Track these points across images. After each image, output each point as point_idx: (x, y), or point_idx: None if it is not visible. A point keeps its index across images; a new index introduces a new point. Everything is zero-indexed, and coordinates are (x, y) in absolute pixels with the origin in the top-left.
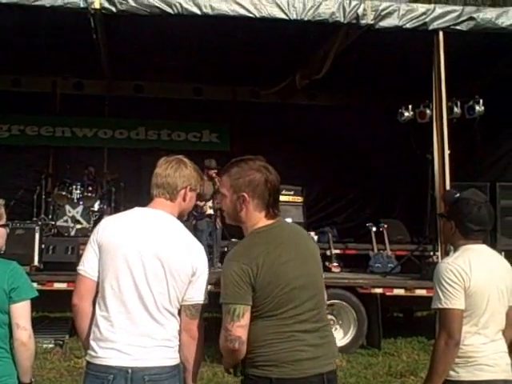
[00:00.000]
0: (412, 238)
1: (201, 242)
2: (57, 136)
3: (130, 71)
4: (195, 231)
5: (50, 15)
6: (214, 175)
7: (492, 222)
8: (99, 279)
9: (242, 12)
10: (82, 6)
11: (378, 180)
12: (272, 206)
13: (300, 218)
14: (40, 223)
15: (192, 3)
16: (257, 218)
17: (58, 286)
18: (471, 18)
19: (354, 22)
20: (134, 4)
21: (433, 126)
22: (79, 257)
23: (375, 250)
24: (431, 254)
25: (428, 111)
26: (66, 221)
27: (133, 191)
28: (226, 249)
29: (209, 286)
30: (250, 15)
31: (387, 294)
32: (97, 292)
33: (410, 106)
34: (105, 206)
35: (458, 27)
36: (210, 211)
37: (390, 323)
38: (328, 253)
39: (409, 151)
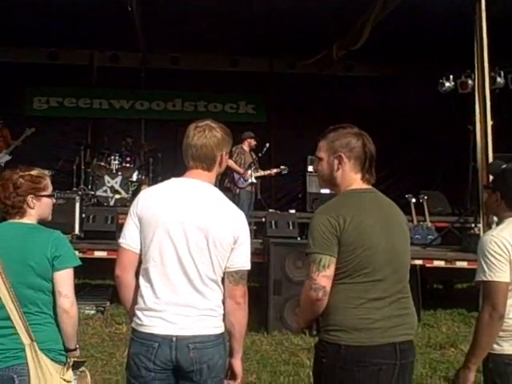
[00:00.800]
0: (453, 210)
1: (243, 210)
2: (94, 108)
3: (166, 43)
4: (238, 200)
5: None
6: (253, 144)
7: None
8: (141, 251)
9: None
10: None
11: (418, 151)
12: (368, 171)
13: None
14: (80, 193)
15: None
16: (351, 180)
17: (98, 254)
18: None
19: None
20: None
21: (475, 97)
22: (118, 226)
23: (415, 222)
24: (472, 225)
25: (470, 81)
26: (105, 191)
27: (170, 162)
28: (263, 219)
29: None
30: None
31: (427, 265)
32: (139, 262)
33: (452, 77)
34: (143, 177)
35: None
36: (252, 179)
37: (429, 295)
38: None
39: (450, 122)
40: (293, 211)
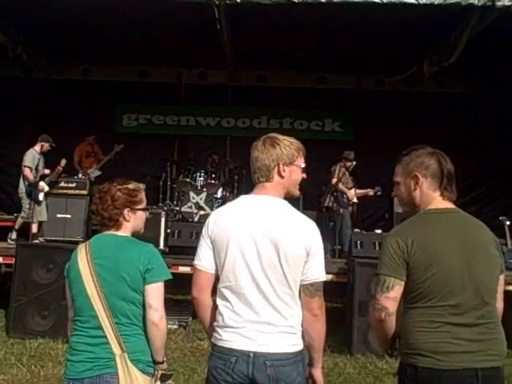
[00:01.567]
0: None
1: (344, 228)
2: (181, 125)
3: (253, 61)
4: (342, 220)
5: (175, 8)
6: (350, 166)
7: None
8: (216, 271)
9: None
10: None
11: None
12: (446, 188)
13: None
14: (166, 209)
15: None
16: (430, 199)
17: (182, 269)
18: None
19: (490, 4)
20: None
21: None
22: None
23: (509, 245)
24: None
25: None
26: (190, 207)
27: None
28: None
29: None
30: (378, 1)
31: None
32: (216, 281)
33: None
34: (227, 193)
35: None
36: (355, 199)
37: None
38: None
39: None
40: (379, 231)
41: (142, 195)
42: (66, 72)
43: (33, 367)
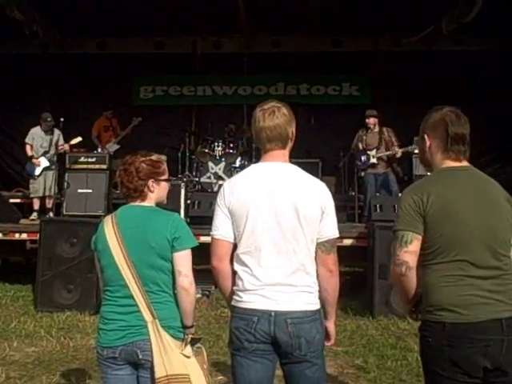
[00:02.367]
0: None
1: (367, 193)
2: (198, 95)
3: (268, 26)
4: (363, 183)
5: None
6: (369, 124)
7: None
8: (234, 239)
9: None
10: None
11: None
12: (453, 150)
13: None
14: (185, 180)
15: None
16: (440, 160)
17: (203, 239)
18: None
19: None
20: None
21: None
22: None
23: None
24: None
25: None
26: (209, 177)
27: None
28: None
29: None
30: None
31: None
32: (234, 249)
33: None
34: (246, 162)
35: None
36: (374, 160)
37: None
38: None
39: None
40: (398, 194)
41: (165, 166)
42: (81, 46)
43: (62, 339)
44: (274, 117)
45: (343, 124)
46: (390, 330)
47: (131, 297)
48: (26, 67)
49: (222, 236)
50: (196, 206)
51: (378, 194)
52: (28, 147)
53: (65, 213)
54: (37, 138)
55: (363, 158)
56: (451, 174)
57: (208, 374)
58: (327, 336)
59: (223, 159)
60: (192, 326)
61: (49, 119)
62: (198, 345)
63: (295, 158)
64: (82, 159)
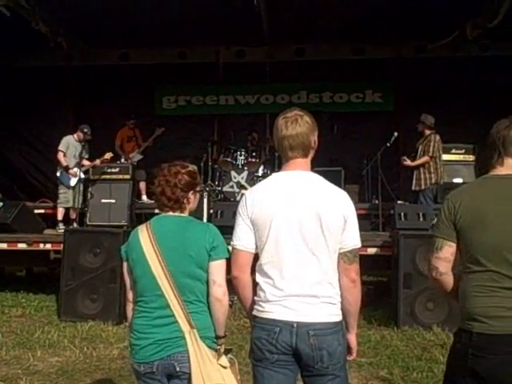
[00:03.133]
0: None
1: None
2: (221, 104)
3: (290, 35)
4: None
5: None
6: (427, 132)
7: None
8: (256, 250)
9: None
10: None
11: None
12: (504, 155)
13: (471, 178)
14: (208, 189)
15: None
16: (490, 166)
17: None
18: None
19: None
20: None
21: None
22: None
23: None
24: None
25: None
26: (232, 186)
27: None
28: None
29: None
30: None
31: None
32: (255, 259)
33: None
34: (268, 171)
35: None
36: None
37: None
38: None
39: None
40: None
41: (199, 177)
42: (104, 58)
43: (85, 349)
44: (297, 125)
45: (366, 131)
46: (415, 341)
47: (167, 306)
48: (51, 79)
49: (244, 246)
50: (219, 216)
51: (399, 202)
52: (62, 155)
53: (88, 223)
54: (71, 148)
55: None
56: (493, 182)
57: None
58: (349, 349)
59: (246, 168)
60: (224, 336)
61: (88, 132)
62: (230, 356)
63: (318, 166)
64: (106, 169)
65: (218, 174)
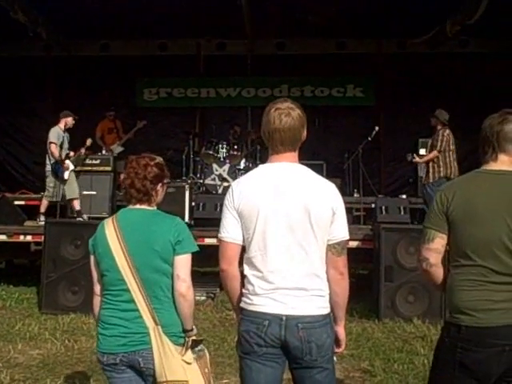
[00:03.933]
0: None
1: None
2: (202, 97)
3: (272, 29)
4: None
5: None
6: (439, 127)
7: None
8: (244, 242)
9: None
10: None
11: None
12: (498, 151)
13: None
14: (189, 182)
15: None
16: (485, 160)
17: (208, 241)
18: None
19: None
20: None
21: None
22: None
23: None
24: None
25: None
26: (214, 179)
27: None
28: (373, 205)
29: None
30: None
31: None
32: (242, 252)
33: None
34: (250, 164)
35: None
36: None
37: None
38: None
39: None
40: (403, 196)
41: (166, 169)
42: (84, 49)
43: (66, 341)
44: (290, 118)
45: (348, 126)
46: (396, 333)
47: (133, 301)
48: (30, 70)
49: (231, 238)
50: (201, 208)
51: (381, 196)
52: (54, 147)
53: (70, 215)
54: (60, 138)
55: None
56: (485, 177)
57: (210, 378)
58: (337, 341)
59: (227, 161)
60: (192, 330)
61: (76, 117)
62: (201, 347)
63: (300, 159)
64: (87, 161)
65: (199, 166)
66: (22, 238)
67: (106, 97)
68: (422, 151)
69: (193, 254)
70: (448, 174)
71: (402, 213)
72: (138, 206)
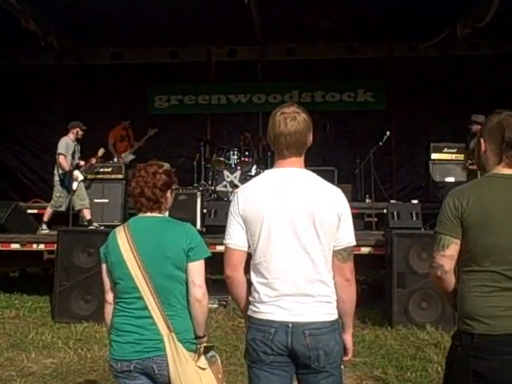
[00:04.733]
0: None
1: None
2: (213, 104)
3: (282, 34)
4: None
5: None
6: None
7: None
8: (249, 248)
9: None
10: None
11: None
12: (507, 154)
13: (463, 177)
14: (201, 189)
15: None
16: (492, 165)
17: (220, 248)
18: None
19: None
20: None
21: None
22: None
23: None
24: None
25: None
26: (225, 186)
27: None
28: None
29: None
30: None
31: None
32: (248, 259)
33: None
34: (261, 170)
35: None
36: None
37: None
38: None
39: None
40: (415, 201)
41: (174, 176)
42: (96, 57)
43: (79, 350)
44: (295, 122)
45: (359, 131)
46: (409, 340)
47: (146, 309)
48: (42, 78)
49: (236, 245)
50: (212, 215)
51: (392, 201)
52: (63, 158)
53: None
54: (69, 150)
55: None
56: (498, 181)
57: (223, 383)
58: (344, 350)
59: (239, 168)
60: (204, 336)
61: (84, 127)
62: (212, 353)
63: (311, 165)
64: (98, 169)
65: (210, 173)
66: (34, 246)
67: (118, 105)
68: (434, 156)
69: (205, 259)
70: None
71: (414, 218)
72: (148, 214)
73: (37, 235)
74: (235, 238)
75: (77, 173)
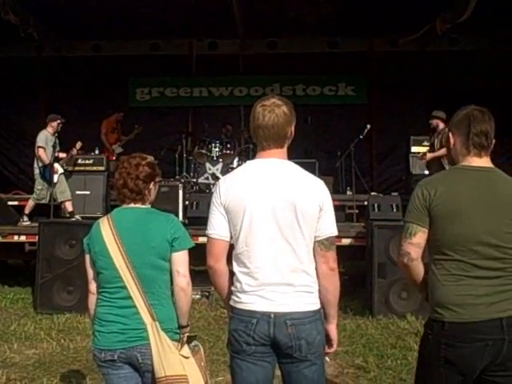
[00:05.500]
0: None
1: None
2: (194, 96)
3: (264, 28)
4: None
5: None
6: (439, 126)
7: None
8: (231, 239)
9: None
10: None
11: None
12: (474, 144)
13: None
14: (183, 181)
15: None
16: (461, 157)
17: (202, 239)
18: None
19: None
20: None
21: None
22: None
23: None
24: None
25: None
26: (207, 178)
27: None
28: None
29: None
30: None
31: None
32: (230, 249)
33: None
34: (243, 163)
35: None
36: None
37: None
38: None
39: None
40: (395, 194)
41: (157, 168)
42: (76, 49)
43: (62, 341)
44: (274, 115)
45: (340, 124)
46: (390, 330)
47: (130, 298)
48: (22, 70)
49: (218, 235)
50: (194, 207)
51: (373, 194)
52: (43, 151)
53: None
54: (48, 142)
55: None
56: (466, 173)
57: (206, 371)
58: (329, 341)
59: (220, 160)
60: (187, 326)
61: (63, 120)
62: (195, 343)
63: (292, 158)
64: (80, 161)
65: (192, 165)
66: (16, 238)
67: (99, 97)
68: (414, 149)
69: (189, 250)
70: None
71: (395, 210)
72: (132, 205)
73: (18, 227)
74: (217, 228)
75: (57, 165)
